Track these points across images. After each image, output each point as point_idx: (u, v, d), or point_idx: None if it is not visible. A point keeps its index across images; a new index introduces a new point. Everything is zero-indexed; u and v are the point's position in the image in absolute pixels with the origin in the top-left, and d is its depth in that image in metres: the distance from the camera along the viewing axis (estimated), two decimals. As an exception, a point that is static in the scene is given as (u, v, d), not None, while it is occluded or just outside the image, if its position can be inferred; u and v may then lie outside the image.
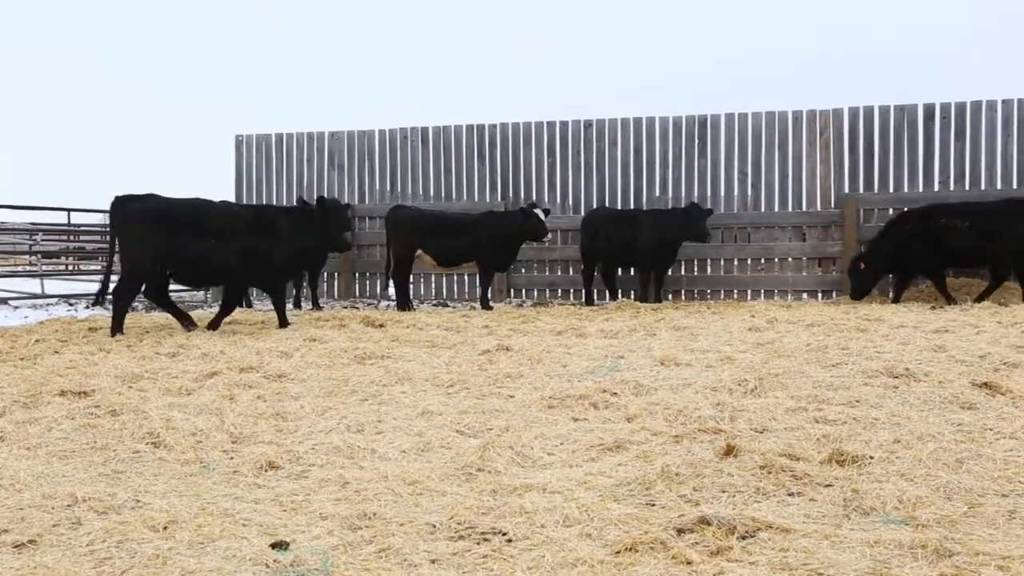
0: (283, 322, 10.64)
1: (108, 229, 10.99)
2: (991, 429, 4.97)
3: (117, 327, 9.83)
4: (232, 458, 4.74)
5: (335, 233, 11.79)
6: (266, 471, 4.49)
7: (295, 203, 14.83)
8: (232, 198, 17.71)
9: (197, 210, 10.22)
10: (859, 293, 13.14)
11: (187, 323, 10.38)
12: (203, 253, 10.05)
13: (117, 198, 10.09)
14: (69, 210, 18.93)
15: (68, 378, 6.82)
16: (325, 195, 16.51)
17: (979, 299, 12.22)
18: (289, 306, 14.40)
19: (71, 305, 16.06)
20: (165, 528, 3.57)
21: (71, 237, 20.75)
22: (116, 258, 10.30)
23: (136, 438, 5.07)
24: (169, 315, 10.84)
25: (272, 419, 5.61)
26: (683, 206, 14.12)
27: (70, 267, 23.02)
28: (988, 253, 12.35)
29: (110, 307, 10.96)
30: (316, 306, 14.30)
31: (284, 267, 10.91)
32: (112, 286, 10.62)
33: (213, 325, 10.43)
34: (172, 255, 9.99)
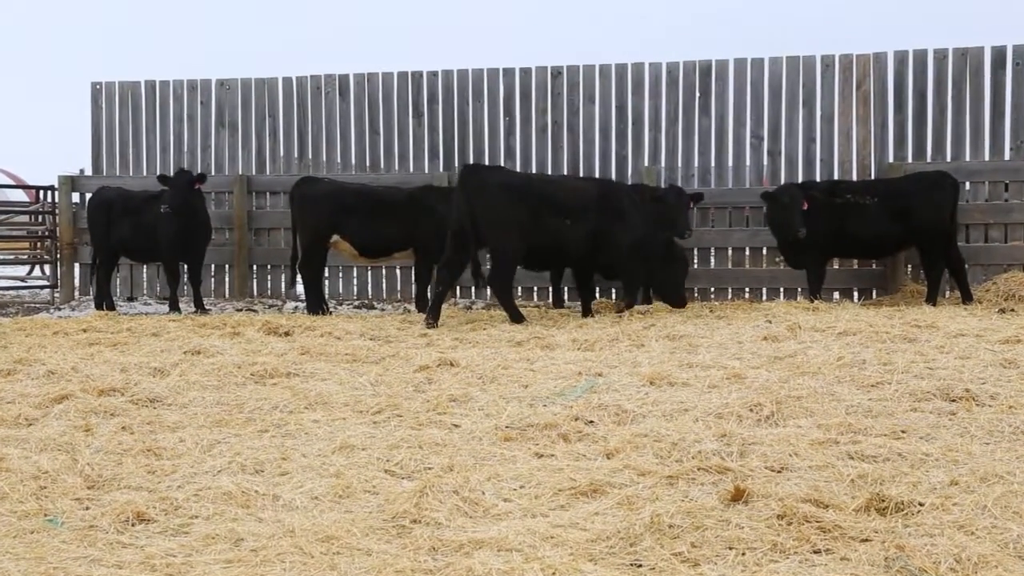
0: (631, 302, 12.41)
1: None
2: (1073, 467, 5.04)
3: (516, 313, 11.66)
4: (88, 508, 4.70)
5: (680, 217, 12.84)
6: (133, 525, 4.45)
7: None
8: (88, 164, 17.51)
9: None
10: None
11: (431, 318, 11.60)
12: (558, 230, 11.94)
13: (468, 167, 12.18)
14: None
15: None
16: (212, 162, 16.44)
17: (930, 300, 12.79)
18: (164, 309, 14.35)
19: None
20: (-2, 601, 3.53)
21: None
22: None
23: (-41, 483, 5.00)
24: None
25: (142, 456, 5.57)
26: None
27: None
28: (903, 237, 13.20)
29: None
30: (200, 308, 14.21)
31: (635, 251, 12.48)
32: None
33: (587, 311, 12.29)
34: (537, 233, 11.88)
